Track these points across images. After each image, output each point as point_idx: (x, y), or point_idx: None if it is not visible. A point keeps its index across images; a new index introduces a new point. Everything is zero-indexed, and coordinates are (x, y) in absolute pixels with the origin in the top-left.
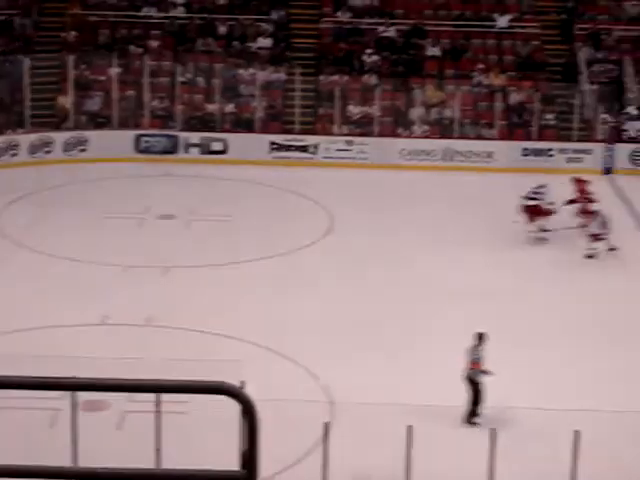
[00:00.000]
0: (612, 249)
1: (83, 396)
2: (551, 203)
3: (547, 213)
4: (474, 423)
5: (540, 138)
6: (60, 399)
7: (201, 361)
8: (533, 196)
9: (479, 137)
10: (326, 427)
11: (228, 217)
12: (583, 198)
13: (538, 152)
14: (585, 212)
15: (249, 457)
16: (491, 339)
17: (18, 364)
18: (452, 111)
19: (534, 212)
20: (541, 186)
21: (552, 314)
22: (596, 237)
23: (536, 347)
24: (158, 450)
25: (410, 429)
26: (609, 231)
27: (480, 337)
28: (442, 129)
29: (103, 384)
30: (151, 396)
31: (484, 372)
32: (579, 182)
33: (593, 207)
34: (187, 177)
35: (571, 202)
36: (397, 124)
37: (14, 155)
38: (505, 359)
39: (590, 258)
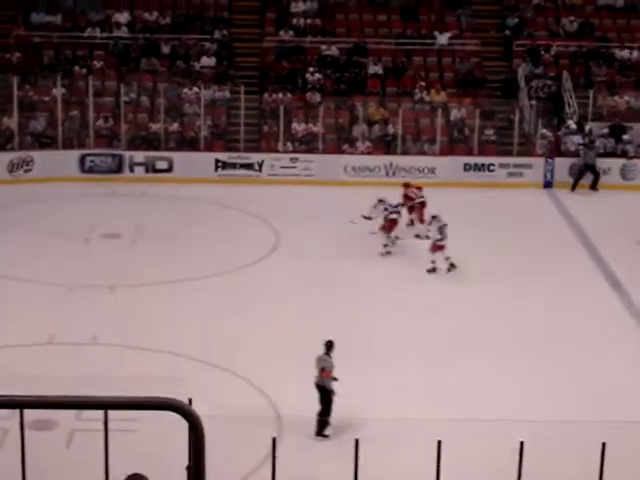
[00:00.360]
0: (452, 265)
1: (31, 415)
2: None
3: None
4: (325, 435)
5: (481, 153)
6: (7, 419)
7: (147, 379)
8: (393, 210)
9: (421, 153)
10: (274, 442)
11: (174, 235)
12: (408, 201)
13: (479, 167)
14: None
15: (195, 473)
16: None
17: None
18: (394, 128)
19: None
20: (380, 200)
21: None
22: (435, 246)
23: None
24: (107, 468)
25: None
26: (445, 237)
27: (328, 345)
28: (385, 146)
29: (52, 401)
30: (99, 414)
31: (334, 379)
32: (404, 187)
33: (425, 211)
34: (132, 196)
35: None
36: (341, 141)
37: None
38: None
39: (432, 272)
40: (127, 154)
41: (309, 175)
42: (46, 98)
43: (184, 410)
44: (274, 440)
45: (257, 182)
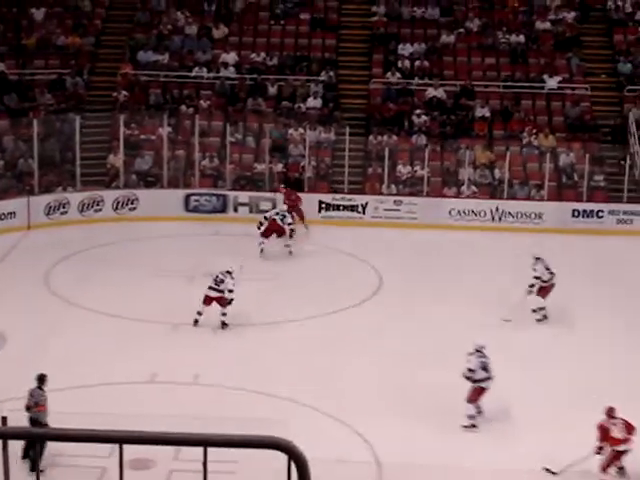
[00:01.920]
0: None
1: (130, 454)
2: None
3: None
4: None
5: (590, 199)
6: (107, 457)
7: (247, 420)
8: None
9: (528, 198)
10: None
11: (277, 276)
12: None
13: (588, 213)
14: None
15: None
16: None
17: (69, 421)
18: (501, 172)
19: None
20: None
21: None
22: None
23: None
24: None
25: None
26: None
27: (40, 379)
28: (491, 190)
29: (152, 437)
30: (197, 454)
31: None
32: (285, 192)
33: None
34: (236, 236)
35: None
36: (446, 184)
37: (64, 213)
38: None
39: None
40: (232, 194)
41: (413, 218)
42: (152, 137)
43: (291, 450)
44: None
45: (360, 224)
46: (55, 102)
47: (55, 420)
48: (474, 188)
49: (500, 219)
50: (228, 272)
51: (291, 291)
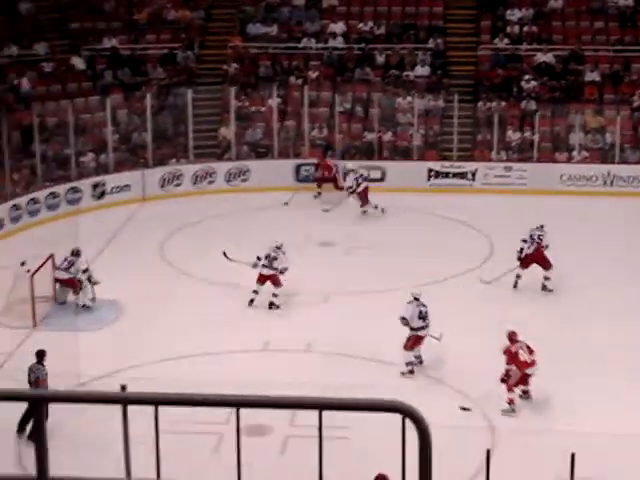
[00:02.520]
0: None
1: (245, 421)
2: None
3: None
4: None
5: None
6: (223, 424)
7: (360, 386)
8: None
9: None
10: (488, 454)
11: (386, 244)
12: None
13: None
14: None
15: (422, 479)
16: None
17: (182, 389)
18: (612, 136)
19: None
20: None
21: None
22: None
23: None
24: (321, 475)
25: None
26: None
27: (39, 355)
28: (602, 154)
29: (269, 401)
30: (312, 420)
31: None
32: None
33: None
34: (346, 205)
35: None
36: (556, 149)
37: (178, 185)
38: None
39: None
40: (341, 163)
41: (523, 184)
42: (262, 109)
43: (412, 413)
44: (488, 452)
45: (470, 191)
46: (167, 76)
47: (174, 387)
48: (585, 153)
49: (612, 184)
50: (278, 248)
51: (403, 259)
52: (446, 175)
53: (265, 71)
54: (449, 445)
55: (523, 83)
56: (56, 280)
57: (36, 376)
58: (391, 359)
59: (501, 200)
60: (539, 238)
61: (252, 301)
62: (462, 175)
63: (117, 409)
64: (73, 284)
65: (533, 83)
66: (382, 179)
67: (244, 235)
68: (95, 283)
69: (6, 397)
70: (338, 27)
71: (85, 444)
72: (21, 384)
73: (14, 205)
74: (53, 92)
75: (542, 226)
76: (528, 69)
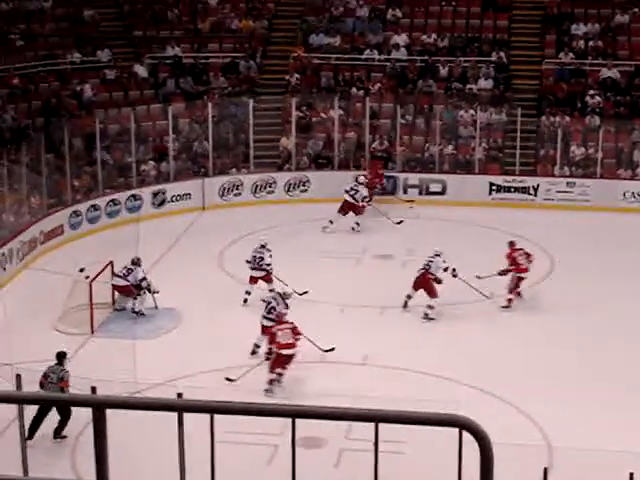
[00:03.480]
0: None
1: (300, 432)
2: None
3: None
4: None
5: None
6: (278, 435)
7: (418, 400)
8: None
9: None
10: (545, 472)
11: (448, 258)
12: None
13: None
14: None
15: None
16: None
17: (238, 399)
18: None
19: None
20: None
21: None
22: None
23: None
24: None
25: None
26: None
27: (60, 356)
28: None
29: (325, 412)
30: (368, 434)
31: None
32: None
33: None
34: (406, 218)
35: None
36: (620, 165)
37: (237, 195)
38: None
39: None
40: (402, 176)
41: (585, 200)
42: (323, 118)
43: (473, 427)
44: (545, 470)
45: (532, 206)
46: (229, 85)
47: (222, 396)
48: None
49: None
50: (263, 246)
51: (462, 273)
52: (508, 189)
53: (327, 82)
54: (505, 462)
55: (587, 98)
56: (113, 287)
57: (60, 377)
58: (449, 374)
59: (563, 216)
60: (428, 264)
61: (245, 301)
62: (524, 190)
63: (168, 417)
64: (130, 291)
65: (598, 98)
66: (443, 192)
67: (301, 245)
68: (155, 292)
69: (67, 402)
70: (401, 39)
71: (140, 453)
72: (81, 390)
73: (74, 211)
74: (115, 99)
75: (438, 254)
76: (593, 84)
